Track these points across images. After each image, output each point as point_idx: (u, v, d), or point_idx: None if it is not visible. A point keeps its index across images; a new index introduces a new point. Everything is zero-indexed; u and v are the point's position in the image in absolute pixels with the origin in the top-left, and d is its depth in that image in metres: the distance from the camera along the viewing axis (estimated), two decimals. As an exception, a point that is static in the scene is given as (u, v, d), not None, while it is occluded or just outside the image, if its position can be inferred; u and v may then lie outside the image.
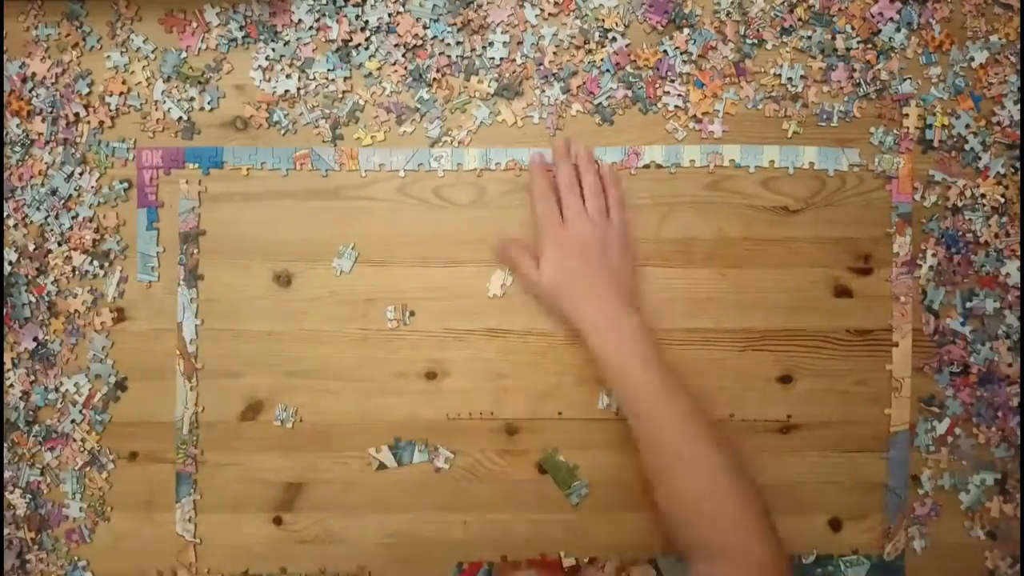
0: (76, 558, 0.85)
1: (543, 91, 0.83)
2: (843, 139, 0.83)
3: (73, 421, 0.84)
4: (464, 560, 0.83)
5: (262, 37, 0.83)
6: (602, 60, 0.83)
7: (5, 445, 0.84)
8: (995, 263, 0.82)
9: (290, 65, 0.83)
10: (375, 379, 0.84)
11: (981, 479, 0.82)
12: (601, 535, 0.83)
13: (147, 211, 0.84)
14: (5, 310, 0.84)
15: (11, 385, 0.84)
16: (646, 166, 0.83)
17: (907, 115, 0.82)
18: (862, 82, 0.82)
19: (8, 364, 0.84)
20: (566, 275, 0.77)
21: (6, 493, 0.85)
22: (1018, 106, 0.81)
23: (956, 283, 0.82)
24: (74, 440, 0.84)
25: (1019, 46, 0.82)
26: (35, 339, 0.84)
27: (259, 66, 0.83)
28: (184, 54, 0.84)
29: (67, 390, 0.84)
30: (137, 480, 0.84)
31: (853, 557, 0.82)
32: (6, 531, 0.85)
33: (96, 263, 0.84)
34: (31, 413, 0.84)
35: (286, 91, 0.83)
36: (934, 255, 0.82)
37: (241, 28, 0.83)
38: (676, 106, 0.83)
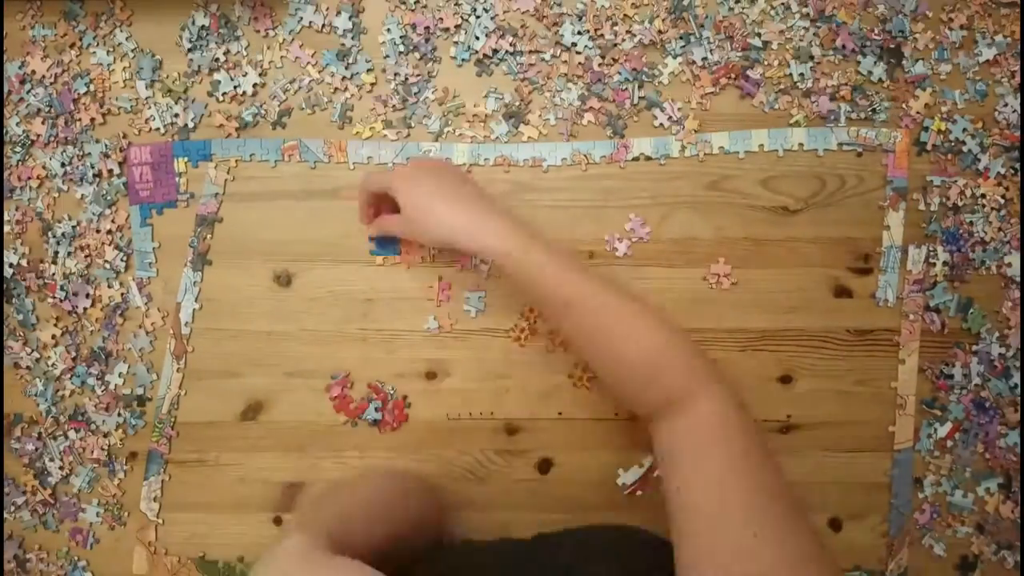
0: (76, 558, 0.85)
1: (557, 93, 0.83)
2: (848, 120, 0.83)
3: (88, 422, 0.84)
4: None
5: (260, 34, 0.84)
6: (617, 72, 0.83)
7: (37, 428, 0.85)
8: (994, 256, 0.82)
9: (292, 61, 0.83)
10: (375, 379, 0.84)
11: (986, 488, 0.82)
12: (601, 535, 0.83)
13: (139, 208, 0.84)
14: (6, 311, 0.84)
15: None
16: (635, 158, 0.83)
17: (917, 97, 0.82)
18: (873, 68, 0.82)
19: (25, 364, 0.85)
20: (428, 197, 0.73)
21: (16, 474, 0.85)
22: (1018, 103, 0.81)
23: (964, 280, 0.82)
24: (96, 437, 0.84)
25: (1020, 47, 0.82)
26: (26, 343, 0.84)
27: (254, 62, 0.84)
28: (160, 59, 0.84)
29: (69, 391, 0.84)
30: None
31: (856, 573, 0.82)
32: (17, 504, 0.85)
33: (105, 264, 0.84)
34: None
35: (286, 88, 0.83)
36: (947, 251, 0.82)
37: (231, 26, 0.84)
38: (682, 109, 0.83)
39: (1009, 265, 0.82)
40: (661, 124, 0.82)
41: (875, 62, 0.81)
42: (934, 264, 0.82)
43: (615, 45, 0.83)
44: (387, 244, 0.83)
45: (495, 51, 0.83)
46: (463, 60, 0.83)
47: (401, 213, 0.74)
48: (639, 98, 0.83)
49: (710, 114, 0.83)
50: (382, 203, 0.79)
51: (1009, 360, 0.82)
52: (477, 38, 0.82)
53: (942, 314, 0.82)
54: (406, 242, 0.83)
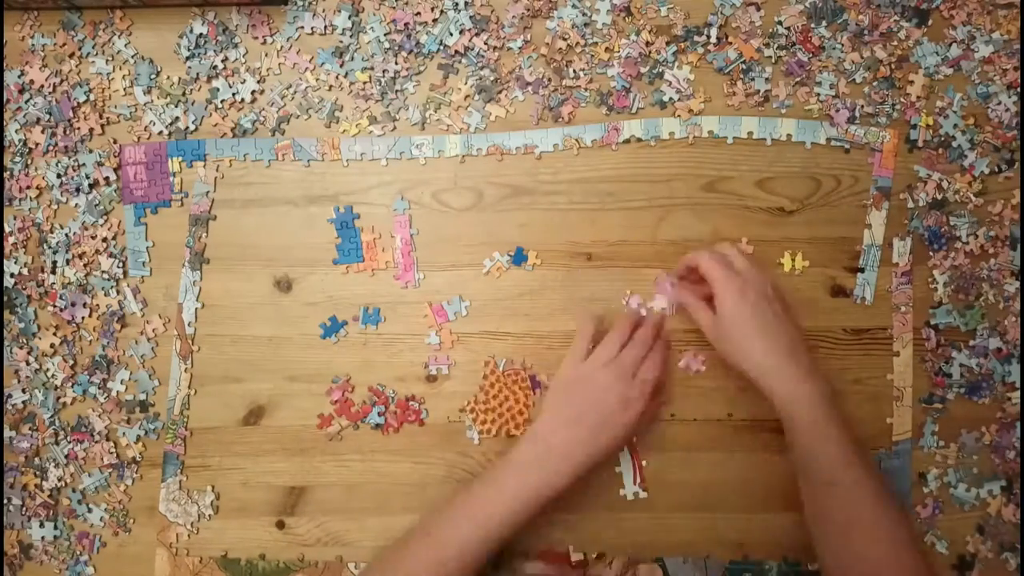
0: (78, 552, 0.85)
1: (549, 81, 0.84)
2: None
3: (91, 431, 0.85)
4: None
5: (253, 37, 0.84)
6: (616, 74, 0.83)
7: (36, 434, 0.85)
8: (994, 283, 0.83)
9: (291, 67, 0.84)
10: (376, 383, 0.84)
11: (988, 490, 0.82)
12: (601, 534, 0.84)
13: (133, 207, 0.85)
14: (6, 317, 0.85)
15: (10, 397, 0.85)
16: (626, 141, 0.84)
17: (912, 82, 0.83)
18: (881, 65, 0.83)
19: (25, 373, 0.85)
20: (752, 323, 0.73)
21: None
22: (1013, 100, 0.82)
23: (961, 289, 0.83)
24: (99, 444, 0.85)
25: (1019, 44, 0.82)
26: (30, 351, 0.85)
27: (248, 68, 0.84)
28: (159, 67, 0.84)
29: (71, 399, 0.85)
30: (151, 490, 0.85)
31: None
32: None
33: (103, 274, 0.84)
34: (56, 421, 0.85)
35: (283, 94, 0.84)
36: (951, 265, 0.83)
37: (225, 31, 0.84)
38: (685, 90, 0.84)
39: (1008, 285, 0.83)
40: (670, 99, 0.83)
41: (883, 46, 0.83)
42: (935, 288, 0.83)
43: (609, 50, 0.84)
44: (350, 251, 0.84)
45: (468, 48, 0.84)
46: (435, 49, 0.84)
47: (717, 317, 0.75)
48: (643, 73, 0.84)
49: (713, 104, 0.83)
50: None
51: (1012, 349, 0.82)
52: (450, 33, 0.83)
53: (941, 333, 0.83)
54: (369, 249, 0.84)
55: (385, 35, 0.84)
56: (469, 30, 0.83)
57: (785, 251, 0.83)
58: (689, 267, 0.79)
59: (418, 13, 0.83)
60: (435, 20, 0.84)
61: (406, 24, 0.83)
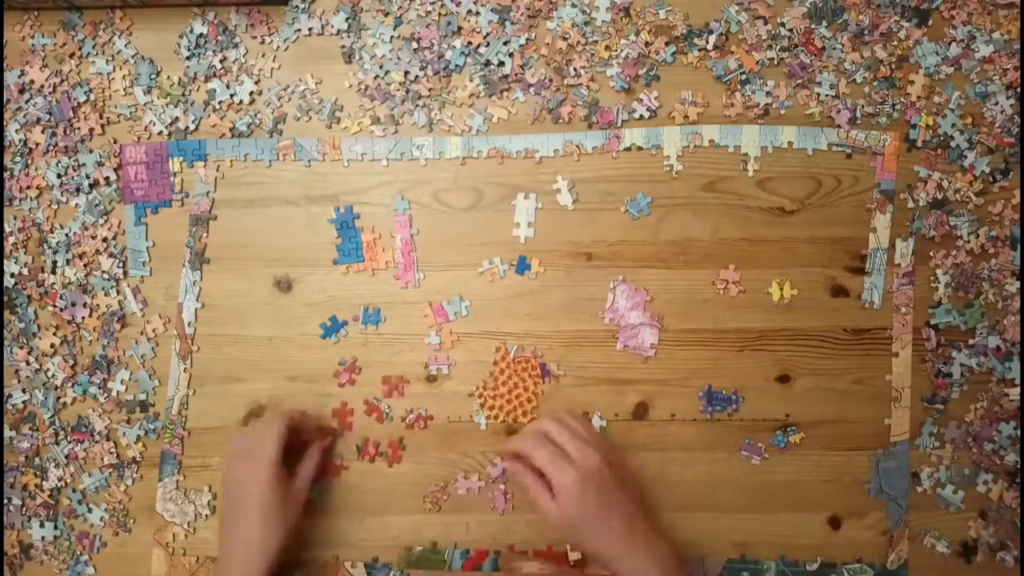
0: (79, 551, 0.85)
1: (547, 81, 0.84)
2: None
3: (91, 431, 0.85)
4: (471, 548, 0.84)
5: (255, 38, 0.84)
6: (612, 77, 0.84)
7: (36, 436, 0.85)
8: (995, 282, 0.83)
9: (288, 67, 0.84)
10: (376, 383, 0.84)
11: (983, 480, 0.82)
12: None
13: (134, 207, 0.85)
14: (6, 317, 0.85)
15: (10, 397, 0.85)
16: (627, 148, 0.84)
17: (912, 82, 0.83)
18: (882, 65, 0.83)
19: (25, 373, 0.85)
20: (582, 509, 0.70)
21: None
22: (1011, 102, 0.82)
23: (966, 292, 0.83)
24: (99, 444, 0.85)
25: (1019, 44, 0.82)
26: (30, 351, 0.85)
27: (251, 70, 0.84)
28: (159, 67, 0.84)
29: (71, 399, 0.85)
30: (151, 490, 0.85)
31: (857, 565, 0.83)
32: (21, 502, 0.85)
33: (103, 274, 0.84)
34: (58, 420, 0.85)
35: (280, 95, 0.84)
36: (953, 263, 0.83)
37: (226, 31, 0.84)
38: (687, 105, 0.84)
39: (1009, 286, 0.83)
40: (650, 110, 0.83)
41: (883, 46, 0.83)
42: (936, 287, 0.83)
43: (609, 50, 0.83)
44: (350, 251, 0.84)
45: (469, 44, 0.84)
46: (458, 65, 0.84)
47: (558, 507, 0.71)
48: (641, 75, 0.83)
49: (712, 109, 0.84)
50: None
51: (1011, 347, 0.82)
52: (455, 33, 0.84)
53: (941, 333, 0.83)
54: (369, 249, 0.84)
55: (392, 38, 0.83)
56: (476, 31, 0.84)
57: (773, 280, 0.83)
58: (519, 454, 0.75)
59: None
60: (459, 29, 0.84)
61: (418, 34, 0.83)
